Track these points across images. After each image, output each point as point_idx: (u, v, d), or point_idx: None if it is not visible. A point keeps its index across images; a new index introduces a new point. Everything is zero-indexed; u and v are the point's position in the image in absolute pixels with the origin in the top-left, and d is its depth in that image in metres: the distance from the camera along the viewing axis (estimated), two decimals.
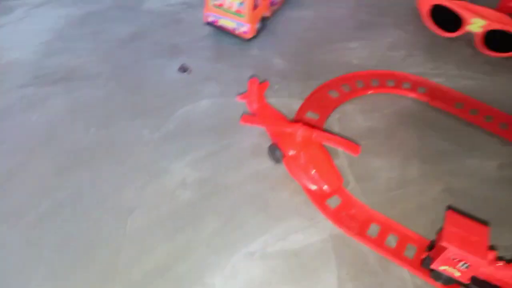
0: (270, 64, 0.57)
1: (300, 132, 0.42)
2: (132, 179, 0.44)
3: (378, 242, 0.42)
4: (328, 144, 0.44)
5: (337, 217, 0.43)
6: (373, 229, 0.43)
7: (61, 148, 0.46)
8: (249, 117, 0.45)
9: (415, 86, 0.55)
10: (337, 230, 0.43)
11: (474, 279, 0.37)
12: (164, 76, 0.54)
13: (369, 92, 0.54)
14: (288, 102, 0.53)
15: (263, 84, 0.49)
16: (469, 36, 0.62)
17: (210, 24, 0.58)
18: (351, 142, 0.43)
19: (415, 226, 0.43)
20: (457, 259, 0.36)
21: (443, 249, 0.36)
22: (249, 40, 0.58)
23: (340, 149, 0.45)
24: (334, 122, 0.52)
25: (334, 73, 0.56)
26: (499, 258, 0.38)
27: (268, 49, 0.58)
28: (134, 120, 0.49)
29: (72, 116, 0.49)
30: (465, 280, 0.37)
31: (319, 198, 0.44)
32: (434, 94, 0.55)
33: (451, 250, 0.36)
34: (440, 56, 0.60)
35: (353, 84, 0.55)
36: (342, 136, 0.45)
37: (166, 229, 0.41)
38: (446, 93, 0.55)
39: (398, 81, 0.56)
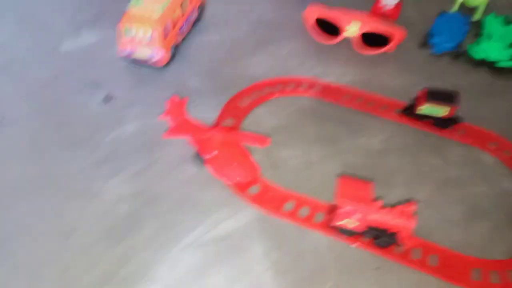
0: (187, 84, 0.64)
1: (218, 133, 0.50)
2: (72, 204, 0.49)
3: (292, 215, 0.50)
4: (241, 141, 0.52)
5: (257, 201, 0.51)
6: (288, 206, 0.51)
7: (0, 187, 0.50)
8: (171, 131, 0.52)
9: (310, 86, 0.66)
10: (258, 212, 0.51)
11: (370, 228, 0.47)
12: (88, 109, 0.59)
13: (275, 96, 0.64)
14: (206, 115, 0.60)
15: (182, 100, 0.56)
16: (349, 40, 0.75)
17: (125, 58, 0.64)
18: (260, 136, 0.51)
19: (322, 197, 0.52)
20: (351, 211, 0.45)
21: (339, 206, 0.46)
22: (164, 66, 0.65)
23: (253, 144, 0.53)
24: (248, 124, 0.60)
25: (243, 84, 0.65)
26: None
27: (183, 72, 0.66)
28: (65, 152, 0.54)
29: (5, 157, 0.53)
30: (363, 229, 0.47)
31: (241, 189, 0.52)
32: (326, 91, 0.65)
33: (344, 204, 0.45)
34: (328, 60, 0.72)
35: (260, 93, 0.64)
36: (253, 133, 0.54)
37: (108, 241, 0.47)
38: (335, 89, 0.66)
39: (297, 84, 0.66)
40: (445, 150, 0.60)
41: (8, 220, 0.47)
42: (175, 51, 0.66)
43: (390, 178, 0.55)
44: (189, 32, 0.72)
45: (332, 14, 0.72)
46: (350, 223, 0.46)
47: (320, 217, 0.50)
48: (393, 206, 0.47)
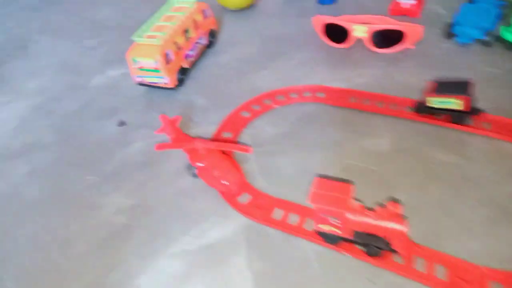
0: (194, 103, 0.67)
1: (199, 144, 0.51)
2: (77, 217, 0.53)
3: (281, 222, 0.48)
4: (224, 149, 0.52)
5: (246, 209, 0.50)
6: (278, 213, 0.49)
7: (21, 204, 0.56)
8: (162, 144, 0.54)
9: (314, 93, 0.64)
10: (247, 220, 0.49)
11: (356, 234, 0.43)
12: (104, 133, 0.65)
13: (275, 106, 0.63)
14: (207, 130, 0.62)
15: (175, 118, 0.59)
16: (363, 42, 0.72)
17: (141, 83, 0.69)
18: (241, 145, 0.51)
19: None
20: (327, 215, 0.42)
21: (315, 210, 0.43)
22: (175, 89, 0.69)
23: (235, 151, 0.53)
24: (246, 136, 0.60)
25: (246, 99, 0.65)
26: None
27: (192, 93, 0.69)
28: (79, 171, 0.59)
29: (31, 179, 0.59)
30: (348, 235, 0.43)
31: (231, 198, 0.52)
32: (331, 95, 0.63)
33: (316, 207, 0.42)
34: (338, 64, 0.69)
35: (261, 103, 0.64)
36: (236, 142, 0.54)
37: (102, 250, 0.49)
38: (341, 92, 0.63)
39: (300, 92, 0.65)
40: (464, 146, 0.53)
41: (21, 235, 0.52)
42: (183, 75, 0.69)
43: (397, 181, 0.50)
44: (201, 56, 0.76)
45: (339, 18, 0.70)
46: (330, 228, 0.43)
47: (311, 225, 0.47)
48: (376, 207, 0.42)
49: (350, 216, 0.41)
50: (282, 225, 0.48)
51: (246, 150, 0.50)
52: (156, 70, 0.66)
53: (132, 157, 0.60)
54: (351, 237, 0.43)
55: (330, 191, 0.42)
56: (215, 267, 0.46)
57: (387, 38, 0.69)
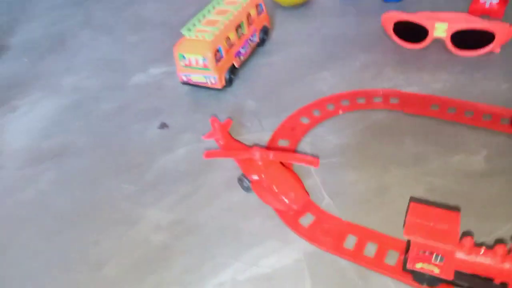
0: (243, 106, 0.59)
1: (257, 154, 0.43)
2: (109, 233, 0.46)
3: (356, 253, 0.39)
4: (287, 160, 0.43)
5: (310, 234, 0.41)
6: (350, 241, 0.40)
7: (49, 215, 0.49)
8: (211, 151, 0.47)
9: (386, 98, 0.55)
10: (311, 247, 0.41)
11: (458, 274, 0.33)
12: (145, 136, 0.57)
13: (340, 112, 0.54)
14: (260, 136, 0.54)
15: (225, 121, 0.51)
16: (441, 42, 0.62)
17: (186, 83, 0.62)
18: (309, 156, 0.42)
19: (397, 231, 0.40)
20: (428, 252, 0.33)
21: (412, 244, 0.33)
22: (222, 89, 0.61)
23: (301, 164, 0.44)
24: (305, 145, 0.51)
25: (305, 103, 0.57)
26: (480, 245, 0.33)
27: (241, 94, 0.61)
28: (117, 178, 0.52)
29: (61, 186, 0.53)
30: (448, 276, 0.33)
31: (291, 218, 0.43)
32: (408, 101, 0.54)
33: (415, 241, 0.32)
34: (412, 68, 0.60)
35: (323, 108, 0.55)
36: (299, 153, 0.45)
37: (138, 274, 0.41)
38: (420, 98, 0.54)
39: (369, 97, 0.56)
40: None
41: (47, 250, 0.46)
42: (232, 74, 0.62)
43: (492, 209, 0.41)
44: (252, 55, 0.68)
45: (414, 16, 0.61)
46: (430, 267, 0.33)
47: (393, 257, 0.38)
48: (492, 246, 0.33)
49: (461, 255, 0.32)
50: (357, 257, 0.39)
51: (314, 163, 0.41)
52: (204, 68, 0.59)
53: (175, 165, 0.52)
54: (451, 279, 0.33)
55: (432, 221, 0.33)
56: None
57: (470, 39, 0.59)
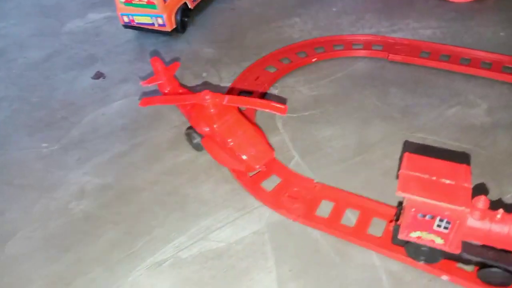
0: (199, 54, 0.49)
1: (208, 99, 0.33)
2: (19, 199, 0.35)
3: (331, 222, 0.30)
4: (246, 105, 0.34)
5: (275, 199, 0.32)
6: (325, 208, 0.32)
7: None
8: (150, 98, 0.36)
9: (368, 45, 0.46)
10: (275, 216, 0.32)
11: (467, 245, 0.25)
12: (74, 87, 0.47)
13: (314, 60, 0.45)
14: (218, 89, 0.44)
15: (171, 65, 0.41)
16: None
17: (128, 25, 0.52)
18: (274, 102, 0.33)
19: (382, 195, 0.32)
20: (429, 216, 0.24)
21: (406, 206, 0.25)
22: (173, 35, 0.51)
23: (264, 110, 0.35)
24: (272, 97, 0.42)
25: (271, 51, 0.48)
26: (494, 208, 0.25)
27: (197, 41, 0.51)
28: (34, 135, 0.41)
29: None
30: (454, 249, 0.25)
31: (251, 181, 0.34)
32: (393, 48, 0.45)
33: (412, 201, 0.24)
34: (396, 14, 0.52)
35: (294, 56, 0.46)
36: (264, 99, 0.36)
37: (51, 251, 0.32)
38: (407, 45, 0.45)
39: (347, 44, 0.47)
40: None
41: None
42: (185, 17, 0.51)
43: (500, 167, 0.33)
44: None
45: None
46: (431, 236, 0.25)
47: (379, 227, 0.30)
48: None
49: (473, 221, 0.24)
50: (333, 226, 0.30)
51: (280, 110, 0.32)
52: (149, 5, 0.48)
53: (108, 119, 0.42)
54: (458, 251, 0.25)
55: (435, 175, 0.24)
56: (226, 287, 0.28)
57: None
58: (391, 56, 0.44)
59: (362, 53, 0.46)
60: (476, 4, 0.52)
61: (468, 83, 0.41)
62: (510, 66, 0.41)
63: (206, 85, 0.45)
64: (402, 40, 0.46)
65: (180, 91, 0.39)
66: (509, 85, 0.40)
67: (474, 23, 0.49)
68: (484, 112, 0.38)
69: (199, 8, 0.55)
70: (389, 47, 0.46)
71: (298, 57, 0.46)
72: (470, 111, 0.38)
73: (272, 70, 0.45)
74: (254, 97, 0.40)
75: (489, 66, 0.42)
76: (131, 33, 0.53)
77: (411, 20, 0.51)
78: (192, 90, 0.44)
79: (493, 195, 0.31)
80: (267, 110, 0.34)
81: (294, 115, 0.40)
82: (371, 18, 0.52)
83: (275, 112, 0.33)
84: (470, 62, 0.42)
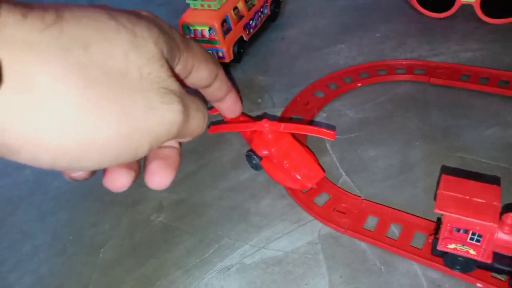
0: (253, 82, 0.55)
1: (267, 126, 0.39)
2: (108, 213, 0.43)
3: (377, 235, 0.34)
4: (299, 131, 0.39)
5: (326, 214, 0.37)
6: (371, 222, 0.36)
7: (45, 195, 0.46)
8: (217, 125, 0.43)
9: (410, 69, 0.50)
10: (326, 229, 0.36)
11: (497, 256, 0.29)
12: None
13: (359, 85, 0.50)
14: (272, 113, 0.50)
15: None
16: (468, 9, 0.56)
17: None
18: (324, 128, 0.38)
19: (423, 211, 0.35)
20: (463, 230, 0.28)
21: (444, 221, 0.29)
22: (231, 65, 0.57)
23: (316, 135, 0.39)
24: (321, 120, 0.47)
25: (319, 77, 0.52)
26: None
27: (251, 70, 0.57)
28: None
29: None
30: (485, 259, 0.29)
31: (304, 198, 0.39)
32: (434, 72, 0.48)
33: (448, 217, 0.28)
34: (437, 37, 0.55)
35: (340, 82, 0.51)
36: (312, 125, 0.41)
37: (137, 257, 0.38)
38: (448, 68, 0.49)
39: (390, 69, 0.51)
40: None
41: (41, 231, 0.43)
42: (241, 48, 0.57)
43: None
44: (263, 30, 0.64)
45: None
46: (465, 248, 0.29)
47: (420, 240, 0.34)
48: None
49: (503, 235, 0.27)
50: (380, 239, 0.34)
51: (329, 135, 0.37)
52: (211, 40, 0.54)
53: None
54: (489, 261, 0.29)
55: (468, 195, 0.28)
56: None
57: (502, 4, 0.53)
58: (432, 79, 0.48)
59: (404, 77, 0.49)
60: None
61: (506, 104, 0.43)
62: None
63: (262, 110, 0.51)
64: (443, 63, 0.49)
65: (242, 118, 0.45)
66: None
67: (511, 43, 0.51)
68: None
69: (252, 38, 0.62)
70: (431, 70, 0.49)
71: (344, 82, 0.51)
72: (508, 131, 0.41)
73: (320, 95, 0.50)
74: (305, 123, 0.45)
75: None
76: None
77: (451, 43, 0.53)
78: (250, 115, 0.49)
79: None
80: (317, 135, 0.39)
81: (342, 137, 0.45)
82: (412, 43, 0.55)
83: (325, 137, 0.38)
84: (508, 84, 0.45)
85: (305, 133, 0.41)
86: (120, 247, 0.39)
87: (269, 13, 0.64)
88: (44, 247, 0.41)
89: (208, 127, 0.43)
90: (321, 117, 0.48)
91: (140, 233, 0.40)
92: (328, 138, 0.38)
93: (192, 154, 0.47)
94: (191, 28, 0.55)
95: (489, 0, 0.53)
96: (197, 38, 0.55)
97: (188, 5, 0.55)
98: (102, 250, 0.39)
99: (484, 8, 0.54)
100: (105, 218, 0.42)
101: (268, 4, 0.63)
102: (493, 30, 0.54)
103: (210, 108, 0.48)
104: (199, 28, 0.54)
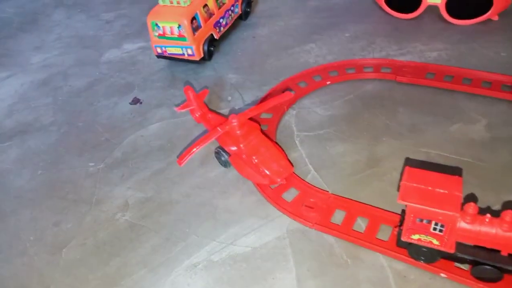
0: (224, 80, 0.55)
1: (235, 122, 0.38)
2: (71, 212, 0.41)
3: (344, 228, 0.34)
4: (262, 109, 0.39)
5: (294, 209, 0.37)
6: (338, 216, 0.36)
7: (6, 195, 0.44)
8: (183, 154, 0.41)
9: (378, 67, 0.51)
10: (294, 224, 0.36)
11: (460, 246, 0.29)
12: (115, 112, 0.53)
13: (328, 83, 0.50)
14: (242, 110, 0.49)
15: (201, 92, 0.46)
16: (436, 11, 0.58)
17: (161, 56, 0.57)
18: (279, 94, 0.39)
19: (390, 205, 0.36)
20: (426, 221, 0.28)
21: (407, 212, 0.29)
22: (201, 63, 0.57)
23: (277, 102, 0.40)
24: (290, 117, 0.47)
25: (290, 75, 0.53)
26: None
27: (221, 68, 0.57)
28: (82, 156, 0.47)
29: (22, 164, 0.48)
30: (449, 248, 0.29)
31: (273, 193, 0.38)
32: (401, 70, 0.49)
33: (411, 208, 0.28)
34: (404, 38, 0.56)
35: (310, 80, 0.51)
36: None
37: (101, 256, 0.37)
38: (414, 67, 0.50)
39: (359, 67, 0.51)
40: None
41: (1, 230, 0.41)
42: (211, 46, 0.57)
43: (496, 179, 0.37)
44: (234, 29, 0.64)
45: None
46: (428, 238, 0.29)
47: (386, 233, 0.34)
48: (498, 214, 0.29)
49: (464, 224, 0.28)
50: (346, 232, 0.34)
51: (287, 95, 0.38)
52: (180, 38, 0.54)
53: (146, 140, 0.48)
54: (452, 251, 0.29)
55: (431, 186, 0.28)
56: (252, 285, 0.32)
57: (466, 6, 0.55)
58: (398, 77, 0.48)
59: (372, 75, 0.50)
60: (480, 26, 0.56)
61: (470, 102, 0.45)
62: (509, 84, 0.45)
63: (232, 108, 0.50)
64: (409, 62, 0.51)
65: (209, 115, 0.44)
66: (508, 103, 0.44)
67: (477, 44, 0.53)
68: (484, 128, 0.42)
69: (223, 37, 0.61)
70: (397, 69, 0.50)
71: (314, 80, 0.51)
72: (471, 127, 0.42)
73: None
74: (275, 122, 0.45)
75: (489, 85, 0.45)
76: (163, 62, 0.59)
77: (418, 43, 0.55)
78: (219, 112, 0.49)
79: (492, 202, 0.35)
80: (278, 101, 0.39)
81: (311, 133, 0.45)
82: (381, 42, 0.56)
83: (284, 99, 0.39)
84: (471, 82, 0.46)
85: (268, 107, 0.41)
86: (83, 246, 0.38)
87: (240, 12, 0.64)
88: (3, 248, 0.39)
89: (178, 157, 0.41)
90: (290, 114, 0.48)
91: (104, 232, 0.39)
92: (288, 98, 0.39)
93: (160, 152, 0.46)
94: (160, 25, 0.54)
95: (454, 2, 0.55)
96: (166, 35, 0.55)
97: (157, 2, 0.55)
98: (64, 249, 0.38)
99: (449, 9, 0.56)
100: (68, 217, 0.41)
101: (239, 3, 0.63)
102: (459, 31, 0.56)
103: (177, 105, 0.48)
104: (168, 25, 0.53)
